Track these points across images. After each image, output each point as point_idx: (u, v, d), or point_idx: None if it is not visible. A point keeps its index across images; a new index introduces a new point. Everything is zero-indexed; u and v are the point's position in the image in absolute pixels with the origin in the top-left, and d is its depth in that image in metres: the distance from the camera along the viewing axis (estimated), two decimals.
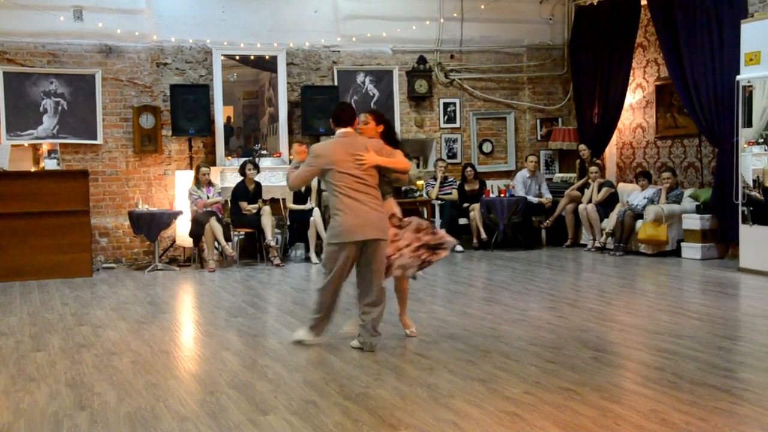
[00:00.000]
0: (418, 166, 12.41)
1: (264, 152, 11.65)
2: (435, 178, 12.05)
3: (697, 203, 10.46)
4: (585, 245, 11.51)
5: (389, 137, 6.05)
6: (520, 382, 4.78)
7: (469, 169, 12.17)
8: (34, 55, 10.71)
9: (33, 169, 10.55)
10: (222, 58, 11.47)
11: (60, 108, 10.73)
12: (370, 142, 5.80)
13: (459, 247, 11.60)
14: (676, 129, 11.63)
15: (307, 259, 10.80)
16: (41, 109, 10.66)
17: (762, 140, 9.26)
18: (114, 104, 11.06)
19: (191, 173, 10.82)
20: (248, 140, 12.44)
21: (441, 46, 12.66)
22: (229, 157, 11.52)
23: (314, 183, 11.17)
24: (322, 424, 4.14)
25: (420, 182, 11.98)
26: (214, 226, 10.21)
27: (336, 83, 11.96)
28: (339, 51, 12.15)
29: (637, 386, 4.71)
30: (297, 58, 11.92)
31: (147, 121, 11.10)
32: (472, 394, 4.56)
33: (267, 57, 11.76)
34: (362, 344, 5.71)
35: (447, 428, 4.03)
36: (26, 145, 10.67)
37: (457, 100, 12.83)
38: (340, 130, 5.81)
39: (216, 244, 10.34)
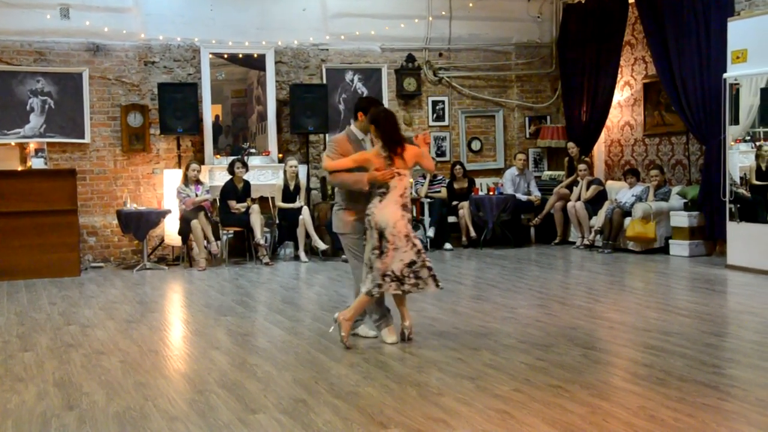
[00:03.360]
0: None
1: (253, 151, 11.63)
2: (424, 177, 12.05)
3: (685, 200, 10.51)
4: (574, 243, 11.55)
5: (380, 133, 5.75)
6: (509, 380, 4.79)
7: (458, 167, 12.18)
8: (20, 54, 10.64)
9: (20, 169, 10.50)
10: (210, 56, 11.44)
11: (47, 107, 10.67)
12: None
13: (448, 245, 11.63)
14: (663, 127, 11.67)
15: (296, 258, 10.79)
16: (28, 107, 10.60)
17: (749, 138, 9.31)
18: (101, 103, 11.01)
19: (180, 172, 10.79)
20: (237, 139, 12.41)
21: (429, 44, 12.66)
22: (218, 156, 11.49)
23: (303, 181, 11.17)
24: (312, 422, 4.14)
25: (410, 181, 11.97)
26: (203, 222, 10.19)
27: (325, 81, 11.95)
28: (327, 49, 12.14)
29: (626, 383, 4.73)
30: (285, 56, 11.90)
31: (135, 119, 11.06)
32: (461, 392, 4.57)
33: (255, 55, 11.73)
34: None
35: (436, 426, 4.03)
36: (13, 144, 10.62)
37: (445, 98, 12.84)
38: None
39: (204, 241, 10.31)
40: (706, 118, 10.02)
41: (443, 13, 12.55)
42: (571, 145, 12.23)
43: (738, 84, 9.08)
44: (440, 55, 12.81)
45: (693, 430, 3.87)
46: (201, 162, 11.08)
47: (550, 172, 12.96)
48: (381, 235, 5.59)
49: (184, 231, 10.35)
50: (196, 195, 10.44)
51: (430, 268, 5.76)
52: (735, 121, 9.21)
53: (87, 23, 10.78)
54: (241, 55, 11.80)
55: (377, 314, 5.91)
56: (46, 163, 10.42)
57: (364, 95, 11.50)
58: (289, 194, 10.96)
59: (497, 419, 4.09)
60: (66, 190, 9.99)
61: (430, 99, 12.76)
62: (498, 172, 12.97)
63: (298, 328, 6.53)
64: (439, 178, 12.14)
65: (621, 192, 11.24)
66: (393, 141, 5.73)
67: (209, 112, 11.40)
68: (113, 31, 10.94)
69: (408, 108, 12.66)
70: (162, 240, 11.07)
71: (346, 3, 12.04)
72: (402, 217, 5.65)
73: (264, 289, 8.79)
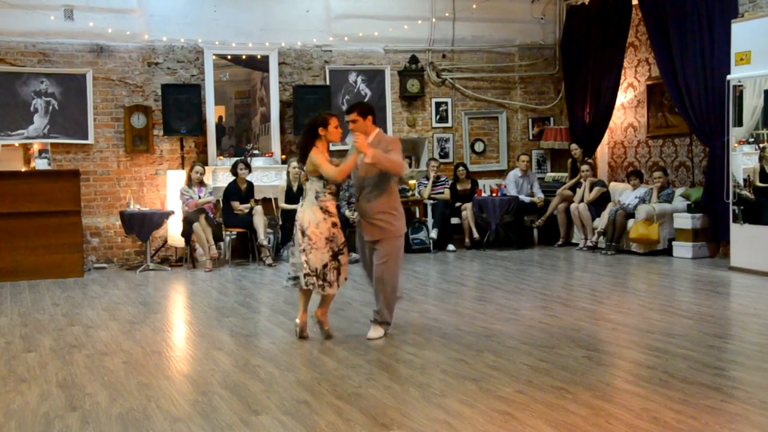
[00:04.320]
0: (410, 166, 12.40)
1: (256, 152, 11.64)
2: (427, 178, 12.05)
3: (688, 202, 10.50)
4: (577, 244, 11.54)
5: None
6: (512, 381, 4.79)
7: (461, 168, 12.17)
8: (24, 55, 10.67)
9: (24, 169, 10.52)
10: (213, 57, 11.45)
11: (51, 108, 10.69)
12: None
13: (451, 246, 11.63)
14: (667, 128, 11.66)
15: None
16: (32, 108, 10.62)
17: (752, 139, 9.30)
18: (105, 104, 11.03)
19: (183, 173, 10.80)
20: (240, 140, 12.43)
21: (433, 45, 12.66)
22: (221, 157, 11.50)
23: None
24: (315, 424, 4.14)
25: (412, 182, 11.99)
26: (203, 225, 10.19)
27: (328, 83, 11.96)
28: (331, 50, 12.14)
29: (629, 385, 4.72)
30: (289, 57, 11.91)
31: (138, 120, 11.07)
32: (464, 394, 4.57)
33: (259, 56, 11.75)
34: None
35: (439, 427, 4.03)
36: (17, 144, 10.64)
37: (449, 100, 12.84)
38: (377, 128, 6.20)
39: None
40: (709, 120, 10.01)
41: (446, 14, 12.56)
42: (574, 146, 12.22)
43: (741, 86, 9.07)
44: (443, 56, 12.81)
45: None
46: (204, 163, 11.08)
47: (553, 174, 12.96)
48: (303, 233, 5.90)
49: (187, 232, 10.36)
50: (199, 197, 10.45)
51: (339, 271, 6.00)
52: (738, 122, 9.20)
53: (91, 24, 10.80)
54: (244, 57, 11.81)
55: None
56: (49, 164, 10.43)
57: (365, 100, 11.59)
58: (292, 195, 10.96)
59: (500, 420, 4.09)
60: (69, 191, 10.01)
61: (434, 100, 12.76)
62: (501, 174, 12.98)
63: None
64: (442, 179, 12.14)
65: (624, 193, 11.23)
66: (299, 150, 6.21)
67: (212, 113, 11.40)
68: (117, 33, 10.96)
69: (411, 109, 12.66)
70: (165, 241, 11.08)
71: (349, 4, 12.05)
72: (324, 219, 5.92)
73: (267, 290, 8.80)
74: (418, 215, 11.98)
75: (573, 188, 11.85)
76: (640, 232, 10.44)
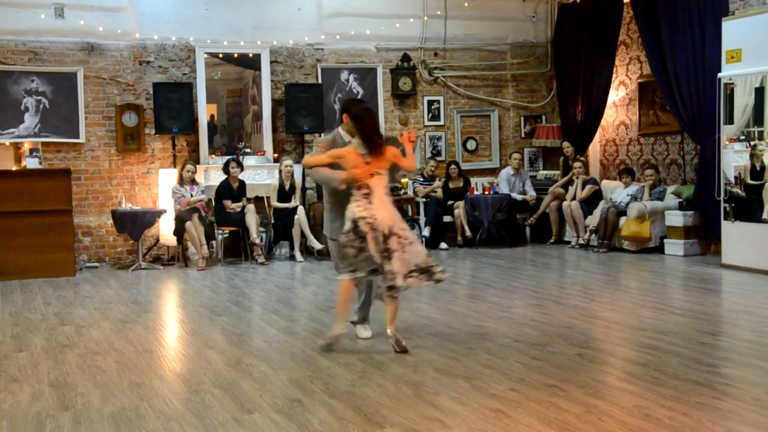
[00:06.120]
0: None
1: (248, 150, 11.63)
2: (423, 176, 12.08)
3: (680, 200, 10.53)
4: (569, 242, 11.56)
5: (360, 130, 5.55)
6: (504, 379, 4.79)
7: (453, 166, 12.19)
8: (15, 53, 10.61)
9: (14, 168, 10.47)
10: (205, 56, 11.42)
11: (42, 106, 10.64)
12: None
13: (444, 245, 11.64)
14: (658, 126, 11.69)
15: (292, 257, 10.79)
16: (22, 107, 10.57)
17: (743, 137, 9.33)
18: (96, 102, 10.99)
19: (175, 172, 10.78)
20: (232, 138, 12.40)
21: (425, 43, 12.66)
22: (213, 156, 11.48)
23: (299, 181, 11.16)
24: (307, 422, 4.14)
25: (405, 180, 11.99)
26: (196, 224, 10.18)
27: (320, 81, 11.94)
28: (323, 49, 12.13)
29: (621, 382, 4.73)
30: (281, 56, 11.89)
31: (130, 119, 11.04)
32: (456, 392, 4.57)
33: (250, 55, 11.72)
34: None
35: (432, 425, 4.03)
36: (7, 143, 10.59)
37: (441, 98, 12.84)
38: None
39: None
40: (700, 118, 10.04)
41: (438, 12, 12.56)
42: (566, 144, 12.24)
43: (732, 83, 9.10)
44: (435, 54, 12.81)
45: (688, 429, 3.88)
46: (196, 162, 11.05)
47: (545, 172, 12.98)
48: (389, 236, 5.40)
49: (179, 231, 10.34)
50: (191, 195, 10.43)
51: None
52: (729, 120, 9.22)
53: (81, 23, 10.75)
54: (236, 55, 11.78)
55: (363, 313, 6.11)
56: (40, 163, 10.39)
57: (354, 96, 11.53)
58: (284, 194, 10.95)
59: (493, 418, 4.10)
60: (61, 190, 9.97)
61: (426, 98, 12.76)
62: (493, 172, 12.99)
63: (293, 327, 6.53)
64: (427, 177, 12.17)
65: (616, 191, 11.25)
66: (372, 139, 5.49)
67: (204, 111, 11.38)
68: (108, 31, 10.92)
69: (403, 107, 12.65)
70: (157, 240, 11.05)
71: (341, 3, 12.03)
72: (396, 214, 5.58)
73: (259, 288, 8.79)
74: (410, 213, 11.97)
75: (565, 186, 11.86)
76: (631, 230, 10.47)
